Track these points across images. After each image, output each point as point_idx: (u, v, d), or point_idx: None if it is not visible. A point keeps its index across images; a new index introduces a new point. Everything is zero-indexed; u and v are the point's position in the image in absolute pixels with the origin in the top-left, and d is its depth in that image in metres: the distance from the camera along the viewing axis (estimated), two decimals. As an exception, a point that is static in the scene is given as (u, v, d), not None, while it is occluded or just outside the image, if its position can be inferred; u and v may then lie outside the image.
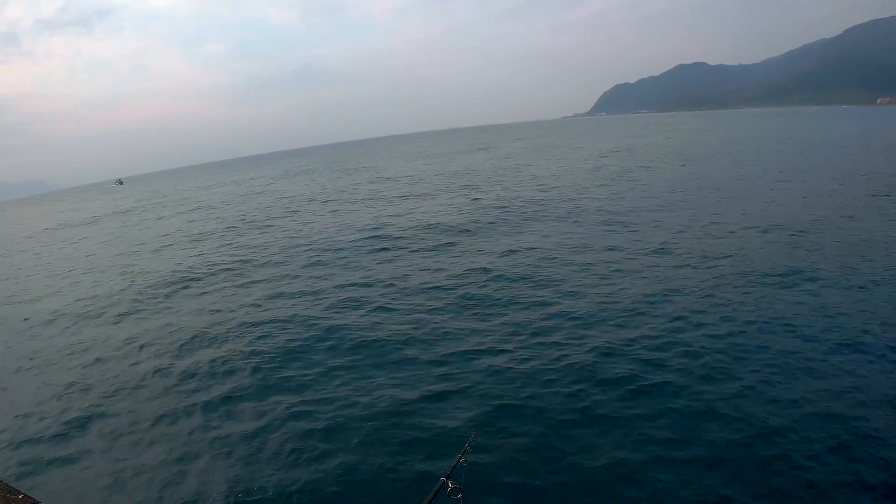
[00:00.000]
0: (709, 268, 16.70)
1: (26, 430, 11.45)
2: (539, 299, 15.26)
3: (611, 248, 19.91)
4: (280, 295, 18.26)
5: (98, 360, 14.90)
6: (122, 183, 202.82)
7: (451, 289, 16.90)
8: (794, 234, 19.65)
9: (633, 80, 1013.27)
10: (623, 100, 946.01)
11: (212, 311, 17.62)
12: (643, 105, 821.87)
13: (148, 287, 21.99)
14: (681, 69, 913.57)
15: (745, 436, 8.48)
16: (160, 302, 19.70)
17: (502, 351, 12.31)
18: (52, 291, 24.63)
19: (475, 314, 14.71)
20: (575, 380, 10.68)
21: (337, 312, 15.82)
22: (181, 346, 14.85)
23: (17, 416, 12.16)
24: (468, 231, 25.26)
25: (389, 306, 15.85)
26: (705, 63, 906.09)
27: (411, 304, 15.85)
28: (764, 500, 7.24)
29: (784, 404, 9.23)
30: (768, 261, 16.85)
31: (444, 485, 4.88)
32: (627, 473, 7.95)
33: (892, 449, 7.92)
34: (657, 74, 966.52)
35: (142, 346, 15.25)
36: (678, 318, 13.11)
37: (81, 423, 11.36)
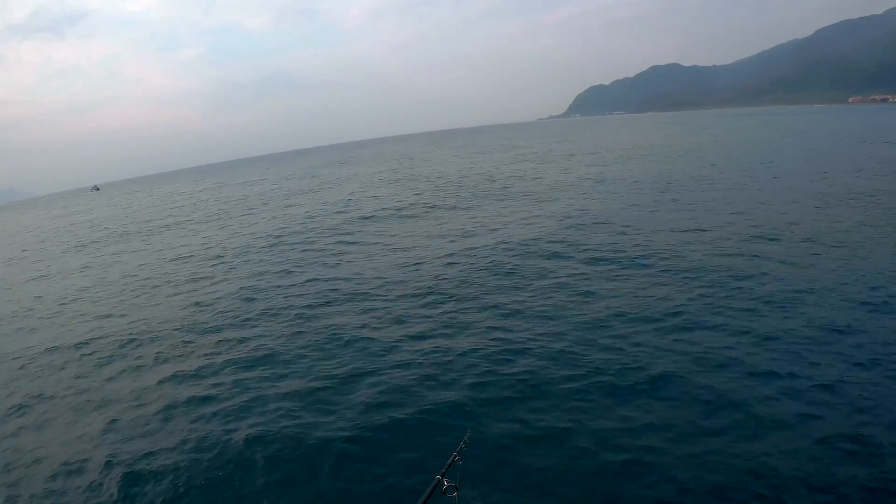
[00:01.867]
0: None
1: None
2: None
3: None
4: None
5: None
6: (97, 189, 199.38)
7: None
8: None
9: (607, 82, 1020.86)
10: (598, 101, 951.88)
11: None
12: (618, 106, 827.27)
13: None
14: (655, 70, 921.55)
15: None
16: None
17: (499, 348, 12.31)
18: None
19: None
20: (576, 375, 10.74)
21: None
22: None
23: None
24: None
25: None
26: (679, 64, 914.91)
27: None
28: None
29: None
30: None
31: (440, 483, 4.86)
32: (627, 470, 7.95)
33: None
34: (631, 76, 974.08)
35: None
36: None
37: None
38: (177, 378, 12.88)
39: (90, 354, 15.51)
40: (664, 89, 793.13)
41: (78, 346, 16.34)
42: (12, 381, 14.57)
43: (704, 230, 20.95)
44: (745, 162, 42.88)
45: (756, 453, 7.95)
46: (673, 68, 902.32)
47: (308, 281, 19.64)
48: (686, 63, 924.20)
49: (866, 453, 7.77)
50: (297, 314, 16.08)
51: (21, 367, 15.50)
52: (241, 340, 14.57)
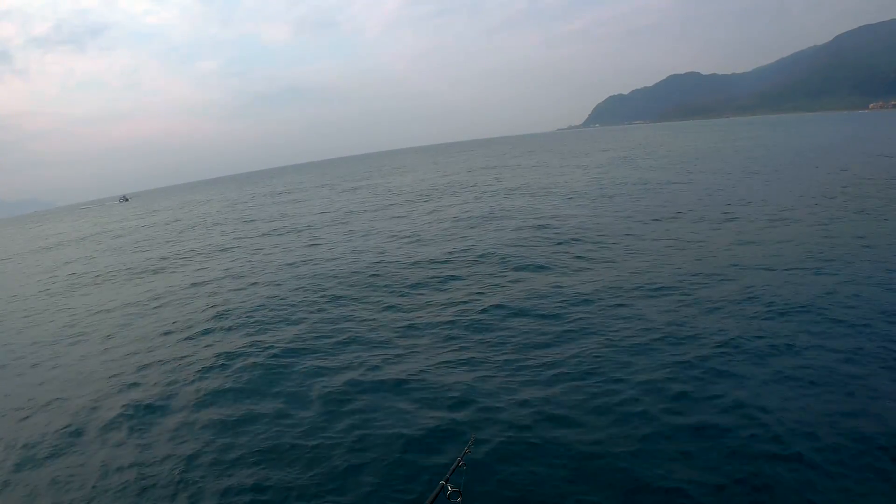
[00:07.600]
0: None
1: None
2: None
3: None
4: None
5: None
6: (126, 200, 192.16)
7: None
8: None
9: (626, 92, 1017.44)
10: (617, 111, 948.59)
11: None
12: (637, 116, 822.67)
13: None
14: (674, 79, 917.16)
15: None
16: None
17: (502, 349, 12.31)
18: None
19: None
20: (583, 375, 10.74)
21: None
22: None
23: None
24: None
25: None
26: (698, 73, 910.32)
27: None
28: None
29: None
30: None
31: (444, 488, 4.90)
32: (631, 472, 7.89)
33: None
34: (650, 85, 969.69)
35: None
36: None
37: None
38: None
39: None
40: (683, 98, 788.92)
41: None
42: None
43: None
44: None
45: None
46: (692, 77, 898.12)
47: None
48: (705, 71, 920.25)
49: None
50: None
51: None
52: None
